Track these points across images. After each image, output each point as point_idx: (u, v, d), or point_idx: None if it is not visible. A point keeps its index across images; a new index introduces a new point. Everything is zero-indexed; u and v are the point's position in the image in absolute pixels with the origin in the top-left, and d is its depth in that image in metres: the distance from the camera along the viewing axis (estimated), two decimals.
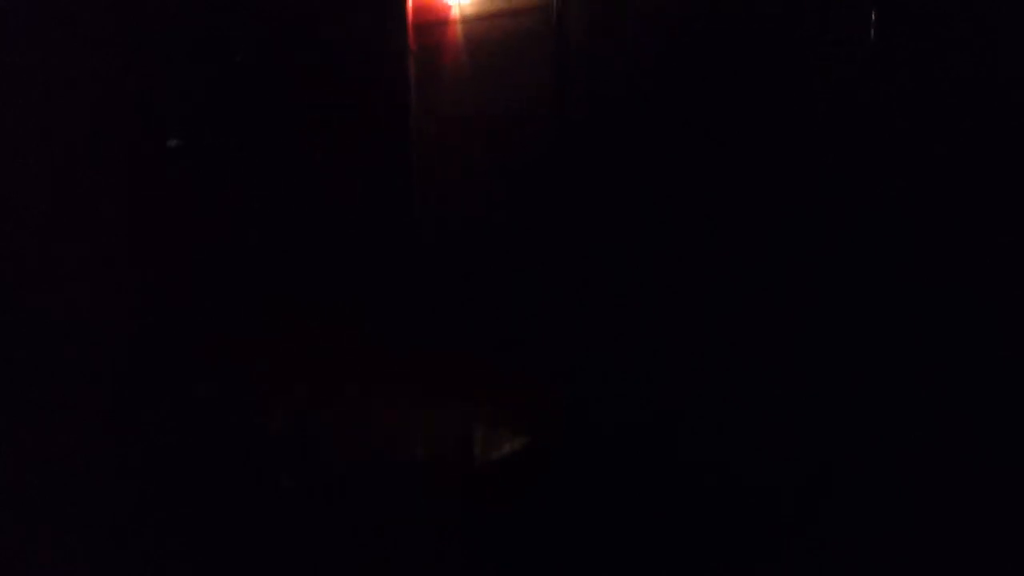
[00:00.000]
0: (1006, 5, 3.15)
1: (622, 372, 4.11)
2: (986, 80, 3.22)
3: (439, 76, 5.20)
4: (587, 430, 3.90)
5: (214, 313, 4.43)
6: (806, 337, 3.68)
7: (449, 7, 5.16)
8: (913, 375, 3.43)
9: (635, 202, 4.26)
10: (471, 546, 3.16)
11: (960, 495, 3.14)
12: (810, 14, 3.61)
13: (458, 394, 4.44)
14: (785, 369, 3.68)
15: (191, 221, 4.56)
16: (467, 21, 5.12)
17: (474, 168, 5.12)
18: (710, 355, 3.89)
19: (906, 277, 3.46)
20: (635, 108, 4.33)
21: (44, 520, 2.98)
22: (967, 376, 3.31)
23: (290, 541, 3.05)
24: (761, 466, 3.47)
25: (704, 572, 3.11)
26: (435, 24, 5.19)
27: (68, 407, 3.35)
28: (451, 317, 4.83)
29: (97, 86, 3.35)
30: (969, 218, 3.32)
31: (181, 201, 4.34)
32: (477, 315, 4.80)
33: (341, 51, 5.09)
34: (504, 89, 4.98)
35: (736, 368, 3.79)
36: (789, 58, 3.72)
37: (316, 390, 4.22)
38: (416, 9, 5.23)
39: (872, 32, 3.43)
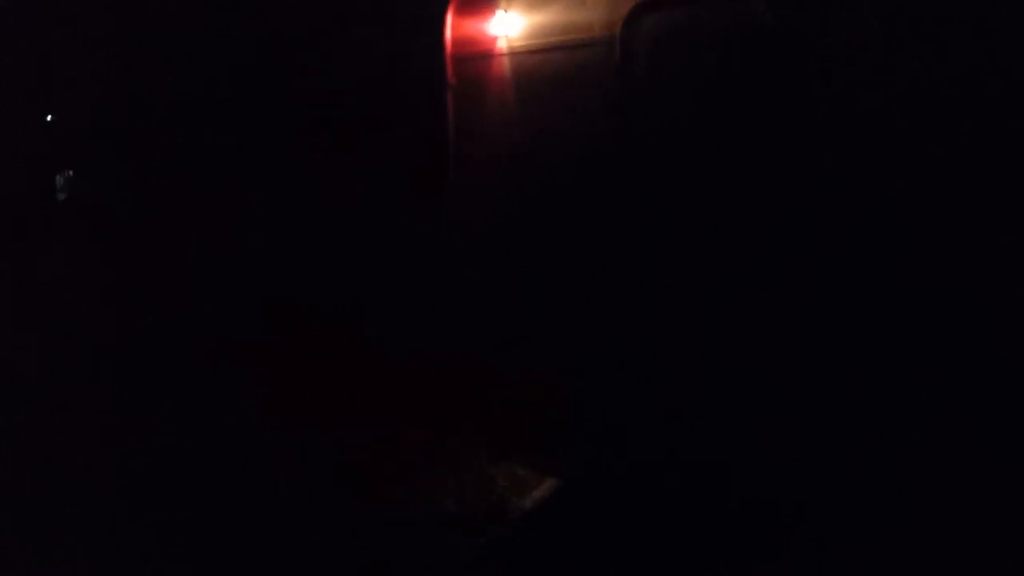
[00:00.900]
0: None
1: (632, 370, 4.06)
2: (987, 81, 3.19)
3: (483, 110, 4.70)
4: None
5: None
6: (811, 338, 3.60)
7: (494, 39, 4.56)
8: (913, 375, 3.39)
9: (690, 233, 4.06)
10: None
11: (960, 495, 3.14)
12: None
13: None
14: (791, 369, 3.64)
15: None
16: (516, 54, 4.60)
17: (523, 204, 4.67)
18: (717, 355, 3.85)
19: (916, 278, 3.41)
20: (696, 145, 4.03)
21: (43, 520, 2.93)
22: (968, 376, 3.28)
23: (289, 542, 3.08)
24: (762, 465, 3.50)
25: (705, 570, 3.19)
26: (478, 57, 4.73)
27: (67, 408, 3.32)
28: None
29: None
30: (969, 218, 3.27)
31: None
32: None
33: (372, 85, 4.58)
34: (557, 126, 4.51)
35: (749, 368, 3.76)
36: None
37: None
38: (456, 41, 4.62)
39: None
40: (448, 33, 4.62)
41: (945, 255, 3.31)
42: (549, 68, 4.49)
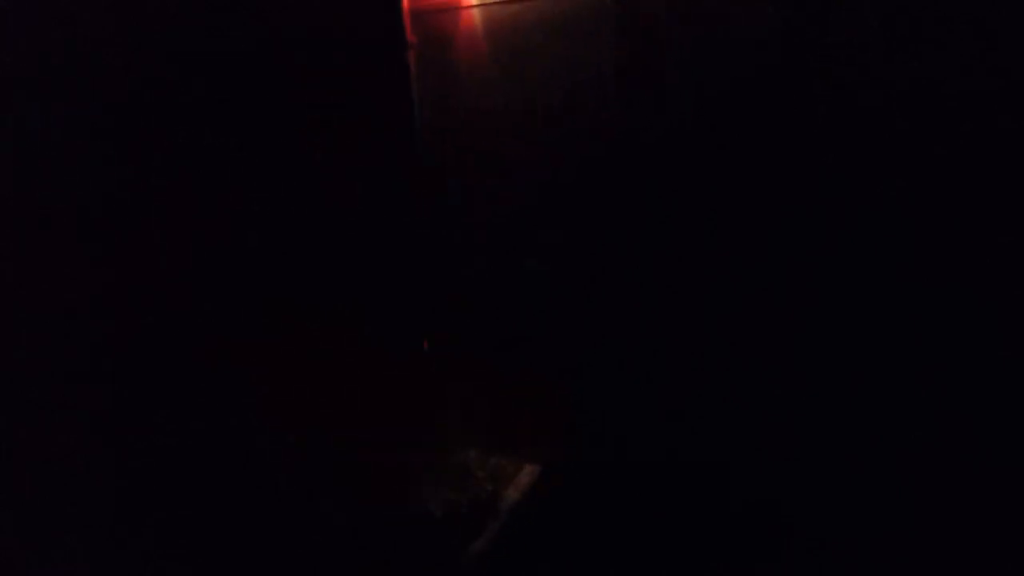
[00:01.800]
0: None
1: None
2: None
3: (457, 70, 4.13)
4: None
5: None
6: (811, 338, 3.57)
7: None
8: (913, 375, 3.40)
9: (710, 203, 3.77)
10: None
11: (960, 495, 3.16)
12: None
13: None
14: (791, 368, 3.62)
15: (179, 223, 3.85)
16: (488, 5, 4.01)
17: (509, 166, 4.20)
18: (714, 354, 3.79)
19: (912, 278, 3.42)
20: (709, 129, 3.65)
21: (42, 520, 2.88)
22: (968, 376, 3.30)
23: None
24: (763, 465, 3.47)
25: (705, 570, 3.16)
26: (444, 10, 4.08)
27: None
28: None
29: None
30: (970, 218, 3.28)
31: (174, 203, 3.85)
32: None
33: (309, 44, 3.92)
34: (546, 97, 3.98)
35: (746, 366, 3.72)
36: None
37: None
38: None
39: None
40: None
41: (945, 255, 3.29)
42: (530, 22, 3.86)
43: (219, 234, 3.70)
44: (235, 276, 4.03)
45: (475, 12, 3.96)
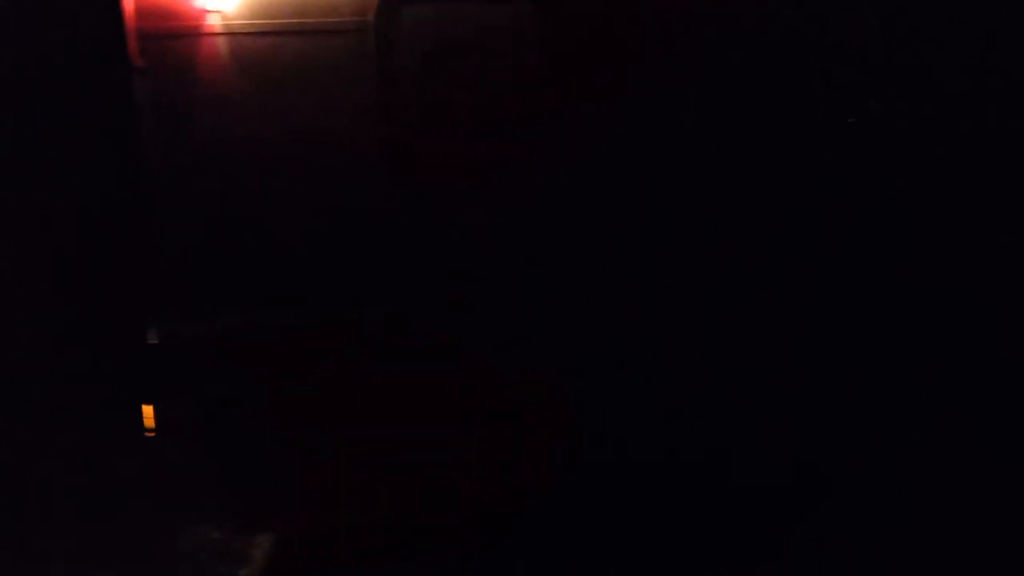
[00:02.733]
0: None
1: None
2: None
3: (199, 100, 3.62)
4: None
5: None
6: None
7: (203, 13, 3.55)
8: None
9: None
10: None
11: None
12: None
13: None
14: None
15: None
16: (237, 35, 3.65)
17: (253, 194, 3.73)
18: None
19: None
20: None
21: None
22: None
23: None
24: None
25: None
26: (181, 35, 3.59)
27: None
28: None
29: None
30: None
31: None
32: None
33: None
34: (292, 118, 3.67)
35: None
36: None
37: None
38: (144, 13, 3.42)
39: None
40: (129, 1, 3.35)
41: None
42: (285, 55, 3.60)
43: None
44: None
45: (221, 40, 3.51)
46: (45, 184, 3.37)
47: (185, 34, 3.52)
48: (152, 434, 3.45)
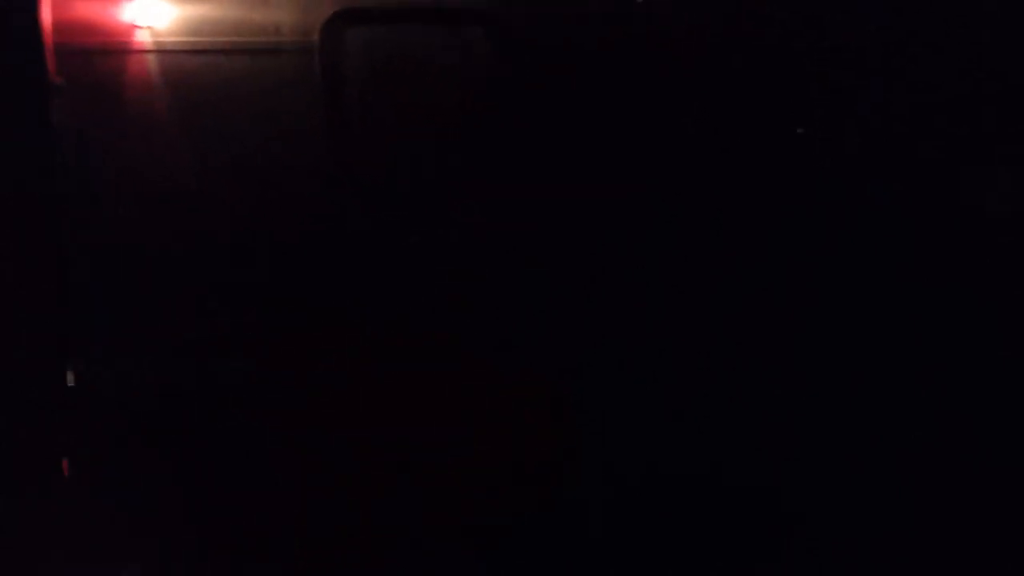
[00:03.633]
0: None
1: None
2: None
3: (127, 124, 3.37)
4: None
5: None
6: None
7: (131, 29, 3.35)
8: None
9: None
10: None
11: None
12: None
13: None
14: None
15: None
16: (169, 53, 3.37)
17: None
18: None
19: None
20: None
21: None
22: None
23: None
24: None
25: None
26: (107, 52, 3.33)
27: None
28: None
29: None
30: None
31: None
32: None
33: None
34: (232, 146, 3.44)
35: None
36: None
37: None
38: (64, 28, 3.18)
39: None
40: (47, 14, 3.11)
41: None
42: (221, 75, 3.37)
43: None
44: None
45: (151, 58, 3.27)
46: None
47: (110, 51, 3.26)
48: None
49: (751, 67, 3.48)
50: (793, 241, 3.50)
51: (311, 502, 3.29)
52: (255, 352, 3.29)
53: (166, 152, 3.30)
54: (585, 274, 3.48)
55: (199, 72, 3.32)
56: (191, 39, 3.33)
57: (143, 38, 3.28)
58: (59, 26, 3.18)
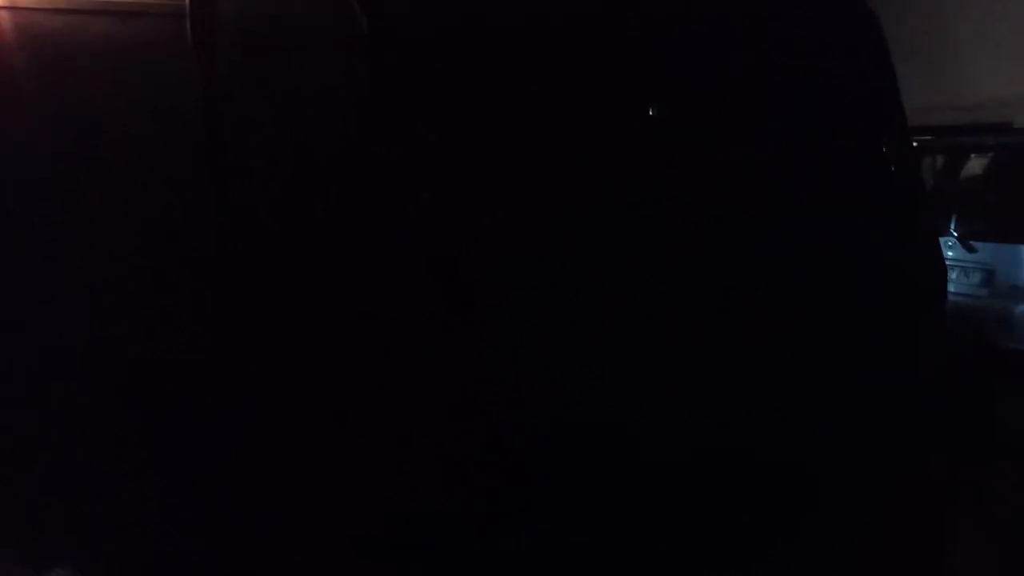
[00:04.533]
0: None
1: None
2: None
3: None
4: None
5: None
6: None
7: None
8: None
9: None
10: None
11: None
12: None
13: None
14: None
15: None
16: (23, 11, 3.11)
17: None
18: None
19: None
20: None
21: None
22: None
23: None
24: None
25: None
26: None
27: None
28: None
29: None
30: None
31: None
32: None
33: None
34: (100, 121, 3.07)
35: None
36: None
37: None
38: None
39: None
40: None
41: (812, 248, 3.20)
42: (84, 38, 3.06)
43: None
44: None
45: (3, 16, 2.92)
46: None
47: None
48: None
49: (598, 38, 3.03)
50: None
51: None
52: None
53: (17, 122, 2.95)
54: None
55: (58, 33, 3.00)
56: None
57: None
58: None
